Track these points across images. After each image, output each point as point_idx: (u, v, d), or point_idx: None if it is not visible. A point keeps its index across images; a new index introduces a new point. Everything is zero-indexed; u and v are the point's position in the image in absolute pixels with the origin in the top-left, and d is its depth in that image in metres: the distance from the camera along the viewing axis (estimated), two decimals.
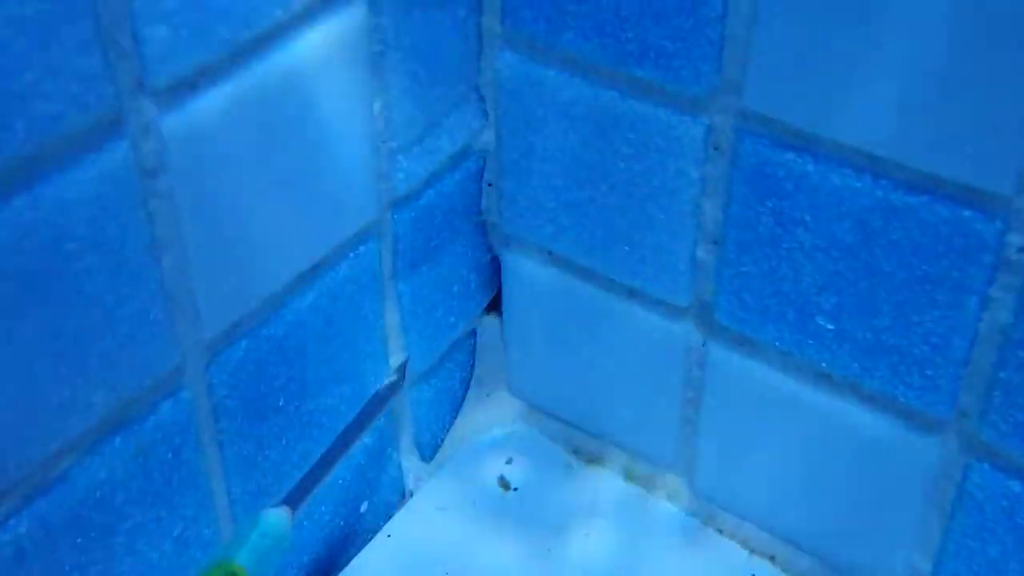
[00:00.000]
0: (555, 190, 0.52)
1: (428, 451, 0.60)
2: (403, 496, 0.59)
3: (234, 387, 0.46)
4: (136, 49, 0.37)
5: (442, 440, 0.61)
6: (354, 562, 0.55)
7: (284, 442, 0.50)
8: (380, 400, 0.54)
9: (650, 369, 0.54)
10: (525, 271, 0.56)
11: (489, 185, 0.55)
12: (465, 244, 0.57)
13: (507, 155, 0.53)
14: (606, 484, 0.59)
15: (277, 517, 0.45)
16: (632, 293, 0.53)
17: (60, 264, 0.37)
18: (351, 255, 0.50)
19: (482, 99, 0.53)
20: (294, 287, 0.47)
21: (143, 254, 0.39)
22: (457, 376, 0.61)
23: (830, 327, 0.46)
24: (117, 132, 0.37)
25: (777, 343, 0.48)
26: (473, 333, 0.61)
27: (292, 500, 0.46)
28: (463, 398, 0.62)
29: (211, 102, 0.40)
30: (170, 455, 0.44)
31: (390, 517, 0.57)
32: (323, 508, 0.53)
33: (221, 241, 0.42)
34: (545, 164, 0.52)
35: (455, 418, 0.61)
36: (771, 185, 0.45)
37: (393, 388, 0.55)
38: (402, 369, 0.55)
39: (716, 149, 0.46)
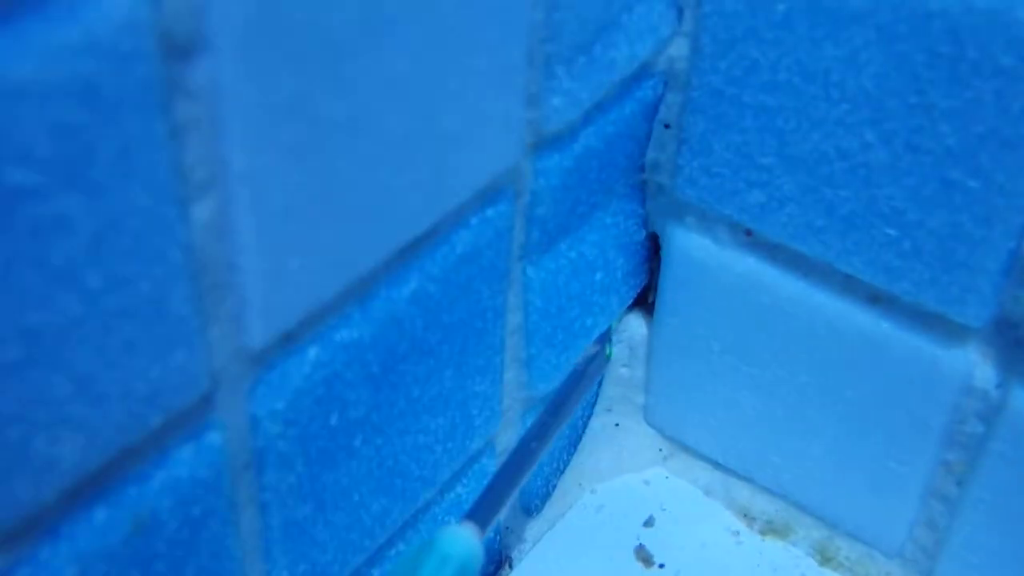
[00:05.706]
0: (780, 136, 0.35)
1: (535, 503, 0.43)
2: (500, 566, 0.42)
3: (291, 421, 0.28)
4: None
5: (554, 488, 0.43)
6: None
7: (356, 500, 0.32)
8: (581, 379, 0.39)
9: (887, 412, 0.37)
10: (701, 256, 0.39)
11: (666, 127, 0.38)
12: (617, 214, 0.39)
13: (706, 79, 0.35)
14: (791, 567, 0.41)
15: (461, 537, 0.31)
16: (876, 299, 0.36)
17: None
18: (473, 222, 0.32)
19: None
20: (390, 268, 0.30)
21: None
22: None
23: None
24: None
25: None
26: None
27: (477, 517, 0.33)
28: (584, 429, 0.44)
29: None
30: (186, 531, 0.27)
31: None
32: None
33: (291, 200, 0.25)
34: (766, 94, 0.34)
35: (571, 457, 0.44)
36: None
37: (596, 364, 0.40)
38: (606, 337, 0.41)
39: None
